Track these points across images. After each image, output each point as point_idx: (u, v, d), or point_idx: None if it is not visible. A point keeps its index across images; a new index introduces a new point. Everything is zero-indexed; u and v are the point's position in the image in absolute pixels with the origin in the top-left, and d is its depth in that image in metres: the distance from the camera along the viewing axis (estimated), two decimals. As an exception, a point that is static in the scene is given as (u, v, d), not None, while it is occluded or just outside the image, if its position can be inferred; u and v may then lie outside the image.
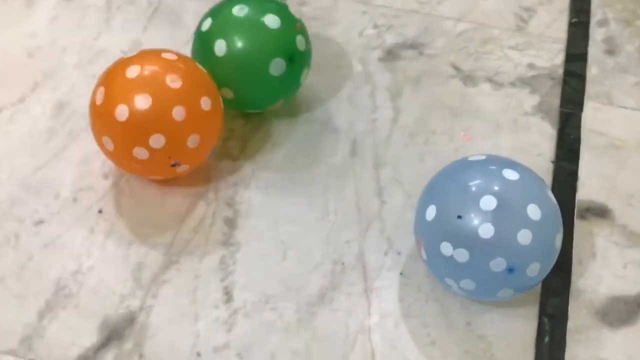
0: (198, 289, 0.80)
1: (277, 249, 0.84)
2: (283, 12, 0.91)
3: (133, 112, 0.78)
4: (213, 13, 0.92)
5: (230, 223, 0.86)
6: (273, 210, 0.88)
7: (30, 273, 0.80)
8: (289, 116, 0.98)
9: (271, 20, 0.88)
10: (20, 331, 0.76)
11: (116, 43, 1.07)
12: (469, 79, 1.04)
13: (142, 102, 0.77)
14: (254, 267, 0.82)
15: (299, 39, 0.90)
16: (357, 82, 1.03)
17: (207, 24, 0.90)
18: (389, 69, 1.05)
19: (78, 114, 0.97)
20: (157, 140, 0.78)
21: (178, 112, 0.78)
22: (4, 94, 0.99)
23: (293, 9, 1.11)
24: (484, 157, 0.76)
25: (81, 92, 1.00)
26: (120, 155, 0.81)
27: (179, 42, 1.03)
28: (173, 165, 0.81)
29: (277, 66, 0.88)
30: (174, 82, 0.79)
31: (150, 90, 0.78)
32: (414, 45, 1.08)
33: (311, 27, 1.09)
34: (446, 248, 0.71)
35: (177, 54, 0.85)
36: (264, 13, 0.88)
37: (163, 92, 0.78)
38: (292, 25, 0.90)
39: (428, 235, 0.74)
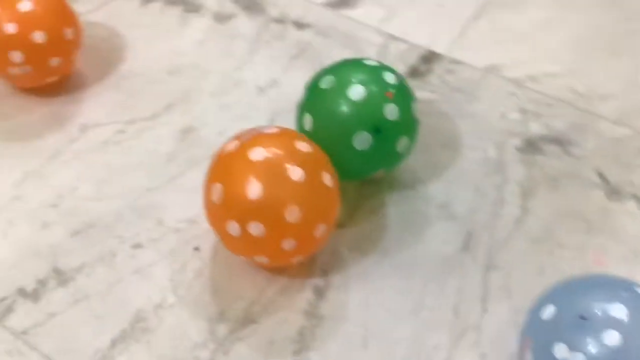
0: (270, 356, 0.77)
1: (360, 334, 0.79)
2: (372, 81, 0.84)
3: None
4: (308, 85, 0.89)
5: (319, 293, 0.82)
6: (366, 289, 0.83)
7: (115, 297, 0.80)
8: (404, 189, 0.93)
9: (355, 92, 0.82)
10: (90, 354, 0.76)
11: (254, 78, 1.07)
12: (614, 192, 0.93)
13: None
14: (331, 348, 0.78)
15: (389, 108, 0.82)
16: (487, 169, 0.96)
17: (302, 96, 0.88)
18: (526, 162, 0.97)
19: (202, 141, 0.97)
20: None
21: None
22: (138, 108, 1.01)
23: (438, 78, 1.07)
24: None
25: (210, 120, 1.00)
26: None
27: None
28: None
29: (361, 140, 0.82)
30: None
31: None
32: (560, 141, 0.99)
33: (453, 100, 1.04)
34: (561, 350, 0.63)
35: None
36: (349, 84, 0.83)
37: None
38: (379, 94, 0.83)
39: (540, 336, 0.66)
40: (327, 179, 0.76)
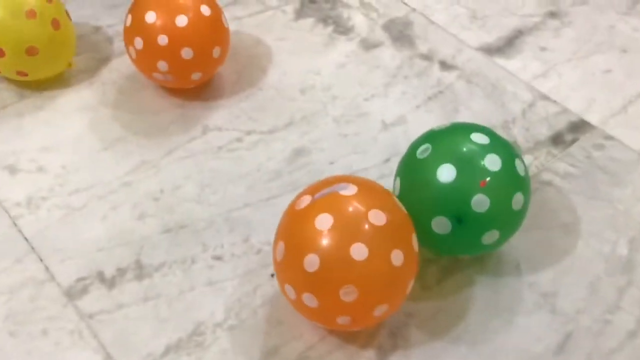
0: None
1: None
2: (470, 163, 0.73)
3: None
4: (410, 145, 0.80)
5: (383, 354, 0.76)
6: (434, 367, 0.76)
7: (183, 303, 0.80)
8: (504, 266, 0.84)
9: (445, 173, 0.73)
10: (142, 356, 0.76)
11: (382, 112, 1.02)
12: None
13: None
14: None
15: (478, 198, 0.72)
16: (611, 267, 0.84)
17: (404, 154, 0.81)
18: (660, 268, 0.84)
19: (310, 167, 0.95)
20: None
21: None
22: (260, 120, 1.01)
23: (583, 152, 0.96)
24: None
25: (325, 146, 0.98)
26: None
27: None
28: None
29: (441, 225, 0.73)
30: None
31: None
32: None
33: (594, 179, 0.93)
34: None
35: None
36: (442, 161, 0.73)
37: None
38: (471, 181, 0.73)
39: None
40: (398, 257, 0.68)
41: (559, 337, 0.78)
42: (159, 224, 0.88)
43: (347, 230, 0.67)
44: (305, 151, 0.97)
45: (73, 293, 0.81)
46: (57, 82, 1.04)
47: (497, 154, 0.74)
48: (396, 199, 0.73)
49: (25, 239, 0.86)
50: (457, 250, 0.80)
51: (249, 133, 0.99)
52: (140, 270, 0.83)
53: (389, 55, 1.11)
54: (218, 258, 0.85)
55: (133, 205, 0.90)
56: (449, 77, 1.08)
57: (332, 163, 0.96)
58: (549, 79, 1.08)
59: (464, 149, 0.75)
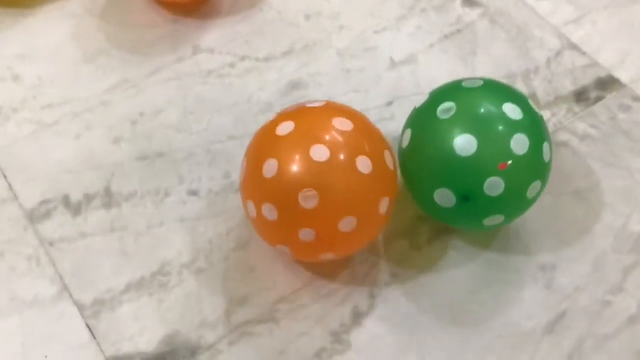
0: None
1: (382, 383, 0.67)
2: (492, 139, 0.65)
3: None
4: (430, 94, 0.72)
5: (357, 317, 0.71)
6: (410, 341, 0.70)
7: (150, 239, 0.75)
8: (504, 232, 0.77)
9: (465, 144, 0.64)
10: (101, 290, 0.71)
11: (391, 47, 0.93)
12: None
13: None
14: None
15: (493, 181, 0.64)
16: (619, 244, 0.76)
17: (421, 103, 0.73)
18: (673, 251, 0.76)
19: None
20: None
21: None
22: (256, 45, 0.92)
23: (608, 112, 0.87)
24: None
25: (326, 81, 0.89)
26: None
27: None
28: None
29: (444, 197, 0.66)
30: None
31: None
32: None
33: (616, 144, 0.84)
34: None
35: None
36: (463, 130, 0.65)
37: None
38: (491, 160, 0.65)
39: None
40: (364, 164, 0.63)
41: (551, 315, 0.72)
42: (135, 150, 0.82)
43: (309, 134, 0.63)
44: (302, 84, 0.89)
45: (35, 216, 0.76)
46: (42, -17, 0.96)
47: (527, 134, 0.66)
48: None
49: (-10, 152, 0.80)
50: (453, 222, 0.73)
51: (242, 59, 0.91)
52: (109, 198, 0.77)
53: (407, -16, 1.01)
54: (194, 193, 0.79)
55: (109, 127, 0.83)
56: (471, 14, 0.98)
57: (329, 99, 0.87)
58: (581, 27, 0.97)
59: (492, 122, 0.66)
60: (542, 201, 0.78)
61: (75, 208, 0.76)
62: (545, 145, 0.68)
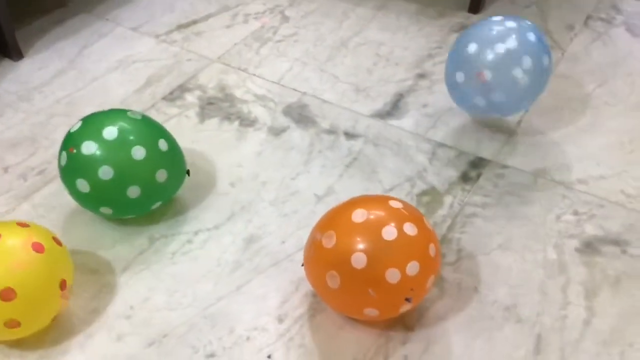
0: None
1: None
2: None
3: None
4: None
5: (396, 400, 0.82)
6: (443, 397, 0.82)
7: (192, 408, 0.80)
8: (469, 292, 0.94)
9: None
10: None
11: (311, 187, 1.10)
12: (677, 291, 0.94)
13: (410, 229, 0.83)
14: None
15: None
16: (549, 271, 0.97)
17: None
18: (586, 263, 0.98)
19: (266, 250, 1.00)
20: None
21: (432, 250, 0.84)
22: (202, 219, 1.04)
23: (490, 182, 1.10)
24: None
25: (273, 229, 1.03)
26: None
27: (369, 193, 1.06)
28: (407, 300, 0.82)
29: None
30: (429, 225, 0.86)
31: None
32: (617, 242, 1.01)
33: (507, 202, 1.07)
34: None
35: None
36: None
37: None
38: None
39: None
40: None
41: (532, 340, 0.88)
42: (140, 339, 0.88)
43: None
44: (255, 238, 1.02)
45: None
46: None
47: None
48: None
49: None
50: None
51: (196, 233, 1.02)
52: (138, 389, 0.82)
53: (297, 136, 1.20)
54: (211, 355, 0.86)
55: (107, 329, 0.89)
56: (357, 144, 1.19)
57: (284, 242, 1.01)
58: (439, 129, 1.23)
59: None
60: (480, 261, 0.98)
61: (111, 408, 0.80)
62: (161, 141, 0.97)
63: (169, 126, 1.21)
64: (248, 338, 0.88)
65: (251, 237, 1.02)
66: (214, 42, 1.43)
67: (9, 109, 1.24)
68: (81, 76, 1.33)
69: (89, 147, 0.92)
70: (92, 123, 0.95)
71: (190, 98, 1.28)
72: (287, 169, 1.14)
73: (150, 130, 0.97)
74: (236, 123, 1.23)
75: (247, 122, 1.23)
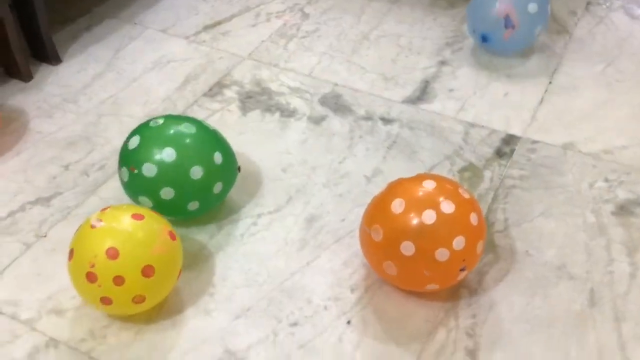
0: (442, 415, 0.82)
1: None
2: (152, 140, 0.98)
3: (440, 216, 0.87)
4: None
5: (472, 354, 0.89)
6: (513, 349, 0.90)
7: (287, 372, 0.86)
8: (523, 256, 1.02)
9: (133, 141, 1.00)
10: None
11: (359, 169, 1.17)
12: None
13: (447, 207, 0.87)
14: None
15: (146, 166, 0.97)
16: (590, 233, 1.05)
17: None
18: (622, 224, 1.06)
19: (327, 228, 1.06)
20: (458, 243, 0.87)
21: (474, 218, 0.89)
22: (262, 203, 1.10)
23: (523, 157, 1.18)
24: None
25: (330, 209, 1.10)
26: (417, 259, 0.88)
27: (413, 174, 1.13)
28: (462, 270, 0.88)
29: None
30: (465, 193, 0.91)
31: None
32: (648, 203, 1.10)
33: (542, 174, 1.15)
34: None
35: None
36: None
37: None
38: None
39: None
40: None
41: (585, 294, 0.96)
42: (226, 314, 0.93)
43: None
44: (315, 217, 1.08)
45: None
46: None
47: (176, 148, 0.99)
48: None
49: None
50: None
51: (259, 216, 1.08)
52: (234, 357, 0.88)
53: (337, 123, 1.27)
54: (295, 324, 0.92)
55: (194, 305, 0.94)
56: (394, 128, 1.26)
57: (343, 220, 1.08)
58: (467, 111, 1.30)
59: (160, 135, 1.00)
60: (527, 228, 1.05)
61: (211, 376, 0.86)
62: (217, 155, 1.01)
63: (213, 120, 1.27)
64: (325, 307, 0.94)
65: (311, 217, 1.08)
66: (241, 40, 1.49)
67: (57, 111, 1.29)
68: (120, 77, 1.38)
69: (150, 170, 0.96)
70: (150, 140, 0.98)
71: (229, 93, 1.34)
72: (333, 154, 1.21)
73: (205, 145, 1.01)
74: (277, 114, 1.29)
75: (287, 112, 1.30)
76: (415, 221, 0.87)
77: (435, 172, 1.17)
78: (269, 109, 1.30)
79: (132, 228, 0.86)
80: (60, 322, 0.92)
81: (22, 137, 1.22)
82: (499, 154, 1.21)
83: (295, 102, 1.32)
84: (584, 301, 0.95)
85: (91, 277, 0.83)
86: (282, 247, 1.03)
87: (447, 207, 0.87)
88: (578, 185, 1.14)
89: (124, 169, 0.98)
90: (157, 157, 0.96)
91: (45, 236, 1.04)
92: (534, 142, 1.23)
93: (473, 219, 0.89)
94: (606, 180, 1.14)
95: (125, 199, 1.07)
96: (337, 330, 0.92)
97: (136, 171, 0.96)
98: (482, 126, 1.27)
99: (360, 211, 1.08)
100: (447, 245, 0.86)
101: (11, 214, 1.08)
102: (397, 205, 0.88)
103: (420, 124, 1.27)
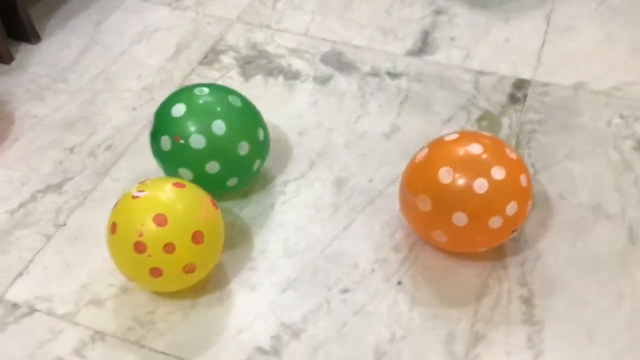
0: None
1: (580, 330, 0.85)
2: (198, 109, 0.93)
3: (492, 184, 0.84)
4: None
5: (528, 302, 0.88)
6: (567, 292, 0.90)
7: (349, 339, 0.84)
8: (555, 200, 1.01)
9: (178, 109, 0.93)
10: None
11: (376, 127, 1.14)
12: None
13: (498, 173, 0.84)
14: (562, 348, 0.84)
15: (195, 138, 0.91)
16: (617, 170, 1.06)
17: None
18: (647, 158, 1.07)
19: (357, 190, 1.03)
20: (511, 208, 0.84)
21: (524, 179, 0.86)
22: (286, 171, 1.07)
23: (537, 100, 1.17)
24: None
25: (355, 170, 1.07)
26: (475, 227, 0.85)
27: (431, 129, 1.12)
28: (513, 232, 0.87)
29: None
30: (511, 153, 0.88)
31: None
32: (667, 136, 1.11)
33: (559, 116, 1.15)
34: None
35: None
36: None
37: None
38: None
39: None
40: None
41: (624, 232, 0.97)
42: (272, 287, 0.90)
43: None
44: (342, 180, 1.05)
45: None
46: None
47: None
48: None
49: None
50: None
51: (285, 184, 1.05)
52: (291, 330, 0.85)
53: (344, 82, 1.23)
54: (346, 291, 0.90)
55: (237, 280, 0.91)
56: (402, 82, 1.23)
57: (370, 180, 1.05)
58: (473, 59, 1.28)
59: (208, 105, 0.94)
60: (557, 170, 1.05)
61: (273, 352, 0.83)
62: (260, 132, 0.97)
63: (216, 88, 1.22)
64: (373, 270, 0.92)
65: (339, 180, 1.05)
66: (226, 3, 1.42)
67: (48, 92, 1.21)
68: (107, 51, 1.30)
69: (198, 142, 0.90)
70: (198, 110, 0.92)
71: (226, 59, 1.28)
72: (346, 113, 1.17)
73: (251, 120, 0.97)
74: (280, 78, 1.24)
75: (290, 75, 1.25)
76: (466, 191, 0.83)
77: (452, 123, 1.15)
78: (270, 72, 1.25)
79: (176, 195, 0.83)
80: (101, 313, 0.87)
81: (16, 122, 1.15)
82: (513, 99, 1.19)
83: (297, 64, 1.27)
84: (624, 240, 0.96)
85: (140, 248, 0.79)
86: (315, 213, 1.00)
87: (498, 173, 0.84)
88: (595, 124, 1.14)
89: (166, 138, 0.91)
90: (207, 128, 0.90)
91: (64, 225, 0.98)
92: (544, 84, 1.22)
93: (523, 180, 0.86)
94: (621, 116, 1.15)
95: (140, 178, 1.01)
96: (390, 292, 0.90)
97: (182, 142, 0.90)
98: (490, 73, 1.25)
99: (386, 171, 1.07)
100: (501, 213, 0.84)
101: (23, 204, 1.01)
102: (445, 175, 0.84)
103: (428, 76, 1.24)
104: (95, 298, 0.89)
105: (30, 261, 0.93)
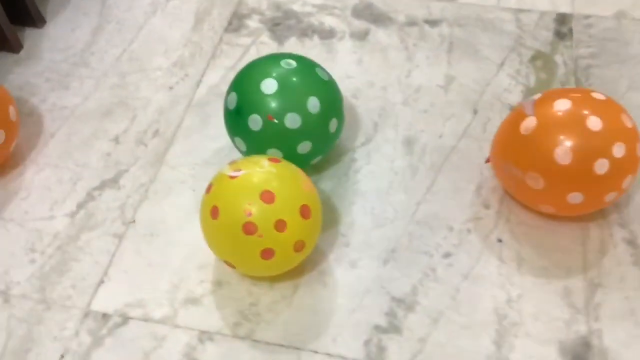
0: (637, 311, 0.81)
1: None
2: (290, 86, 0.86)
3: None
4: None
5: (633, 244, 0.87)
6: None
7: (466, 305, 0.81)
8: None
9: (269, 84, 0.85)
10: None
11: (429, 79, 1.09)
12: None
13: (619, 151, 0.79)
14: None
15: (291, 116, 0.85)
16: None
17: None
18: None
19: (429, 148, 0.99)
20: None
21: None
22: (349, 136, 1.01)
23: (584, 34, 1.14)
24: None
25: (421, 126, 1.02)
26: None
27: (487, 75, 1.07)
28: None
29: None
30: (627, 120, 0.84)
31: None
32: None
33: (610, 48, 1.12)
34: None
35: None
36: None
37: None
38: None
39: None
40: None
41: None
42: (372, 261, 0.86)
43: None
44: (411, 139, 1.01)
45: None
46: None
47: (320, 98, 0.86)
48: None
49: None
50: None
51: (354, 151, 0.99)
52: (404, 304, 0.82)
53: (383, 35, 1.17)
54: (447, 255, 0.86)
55: (337, 259, 0.86)
56: (444, 29, 1.18)
57: (440, 136, 1.01)
58: (507, -2, 1.24)
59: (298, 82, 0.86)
60: (627, 104, 1.02)
61: (393, 329, 0.79)
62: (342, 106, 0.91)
63: (250, 57, 1.14)
64: (469, 230, 0.89)
65: (408, 140, 1.01)
66: (235, -38, 1.33)
67: (71, 79, 1.11)
68: (123, 28, 1.20)
69: (294, 121, 0.83)
70: (291, 86, 0.85)
71: (253, 24, 1.20)
72: (395, 69, 1.12)
73: (338, 95, 0.91)
74: (316, 37, 1.17)
75: (325, 34, 1.18)
76: (586, 174, 0.78)
77: (507, 67, 1.10)
78: (304, 33, 1.18)
79: (276, 169, 0.78)
80: (201, 312, 0.82)
81: (45, 116, 1.05)
82: (559, 35, 1.15)
83: (328, 21, 1.20)
84: None
85: (250, 229, 0.74)
86: (393, 177, 0.96)
87: (619, 150, 0.78)
88: (648, 53, 1.11)
89: (256, 117, 0.84)
90: (303, 107, 0.84)
91: (134, 222, 0.91)
92: (587, 16, 1.18)
93: (638, 150, 0.82)
94: (674, 42, 1.12)
95: (199, 163, 0.95)
96: (493, 251, 0.87)
97: (276, 121, 0.83)
98: (529, 10, 1.20)
99: (452, 124, 1.03)
100: (617, 189, 0.81)
101: (81, 205, 0.94)
102: (562, 155, 0.78)
103: (467, 20, 1.19)
104: (190, 296, 0.83)
105: (108, 266, 0.87)
